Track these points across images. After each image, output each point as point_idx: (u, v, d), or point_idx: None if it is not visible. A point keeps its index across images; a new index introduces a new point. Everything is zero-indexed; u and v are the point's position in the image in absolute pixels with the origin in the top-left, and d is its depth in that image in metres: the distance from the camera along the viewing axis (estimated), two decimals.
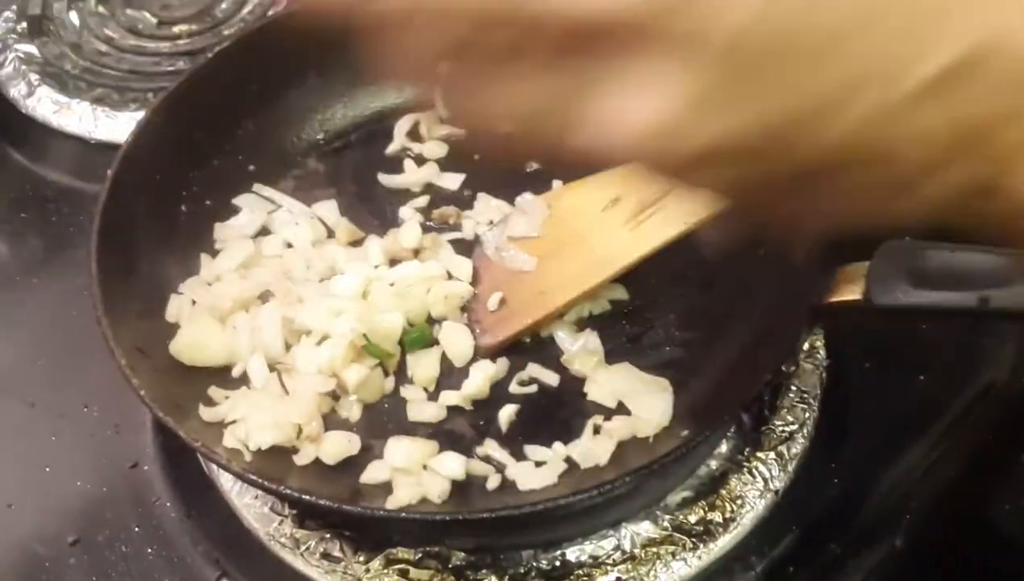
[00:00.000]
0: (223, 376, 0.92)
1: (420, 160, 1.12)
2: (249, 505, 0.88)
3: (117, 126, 1.17)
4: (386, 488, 0.83)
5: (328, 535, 0.86)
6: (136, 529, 0.90)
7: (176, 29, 1.29)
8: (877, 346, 0.98)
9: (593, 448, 0.86)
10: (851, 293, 0.83)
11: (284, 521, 0.87)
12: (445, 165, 1.11)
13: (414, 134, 1.14)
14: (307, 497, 0.75)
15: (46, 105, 1.19)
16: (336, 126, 1.14)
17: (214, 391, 0.89)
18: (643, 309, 0.98)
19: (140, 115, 1.14)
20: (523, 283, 0.97)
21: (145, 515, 0.91)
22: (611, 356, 0.94)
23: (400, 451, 0.85)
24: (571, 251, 0.98)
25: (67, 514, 0.91)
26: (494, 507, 0.77)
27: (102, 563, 0.89)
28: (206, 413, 0.87)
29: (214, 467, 0.91)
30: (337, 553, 0.85)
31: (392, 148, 1.13)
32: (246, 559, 0.87)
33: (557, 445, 0.87)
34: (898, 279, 0.81)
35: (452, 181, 1.10)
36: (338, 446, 0.86)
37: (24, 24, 1.27)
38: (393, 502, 0.81)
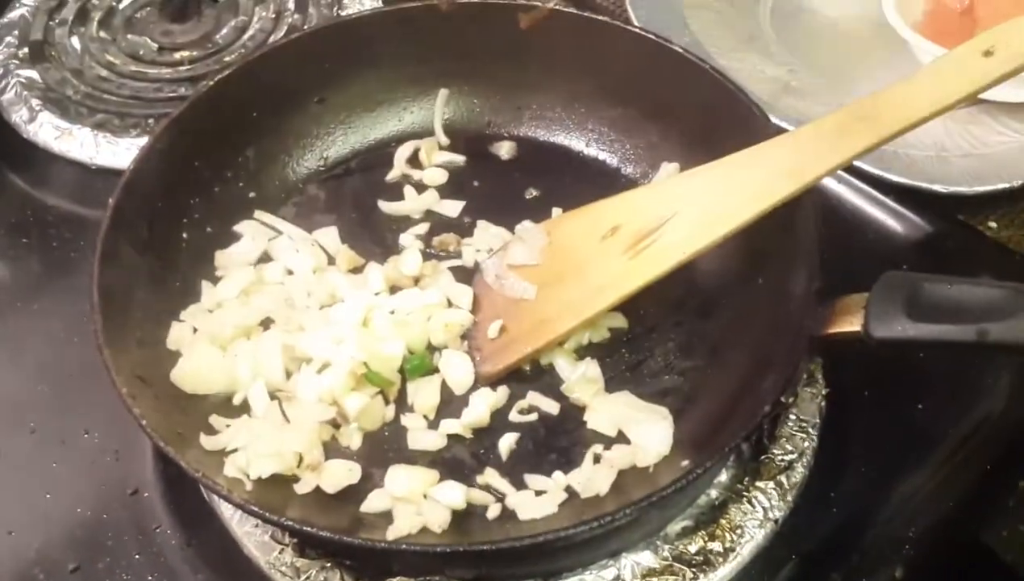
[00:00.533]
0: (224, 404, 0.93)
1: (420, 187, 1.13)
2: (250, 533, 0.88)
3: (118, 152, 1.18)
4: (386, 517, 0.84)
5: (328, 564, 0.86)
6: (136, 556, 0.90)
7: (177, 56, 1.30)
8: (876, 375, 0.99)
9: (594, 477, 0.86)
10: (850, 325, 0.84)
11: (285, 550, 0.87)
12: (445, 192, 1.12)
13: (414, 161, 1.14)
14: (307, 528, 0.76)
15: (47, 130, 1.20)
16: (336, 153, 1.15)
17: (215, 419, 0.90)
18: (642, 337, 0.98)
19: (141, 141, 1.16)
20: (523, 311, 0.98)
21: (145, 542, 0.91)
22: (611, 384, 0.95)
23: (401, 480, 0.85)
24: (571, 279, 0.98)
25: (68, 541, 0.91)
26: (495, 539, 0.78)
27: None
28: (207, 442, 0.87)
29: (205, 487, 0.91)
30: None
31: (392, 175, 1.14)
32: None
33: (557, 474, 0.88)
34: (897, 311, 0.82)
35: (452, 208, 1.11)
36: (339, 475, 0.86)
37: (26, 49, 1.28)
38: (393, 532, 0.82)
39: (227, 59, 1.28)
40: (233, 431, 0.88)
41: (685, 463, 0.82)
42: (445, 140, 1.16)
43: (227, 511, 0.90)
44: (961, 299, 0.80)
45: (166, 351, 0.93)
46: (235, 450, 0.87)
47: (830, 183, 1.14)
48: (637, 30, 1.12)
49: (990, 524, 0.94)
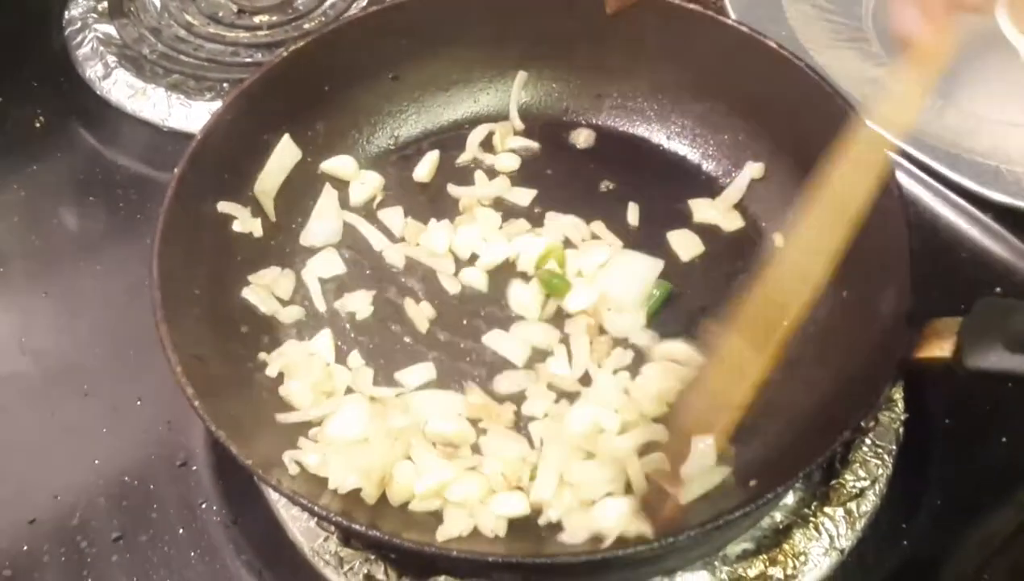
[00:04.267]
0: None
1: (491, 172, 1.09)
2: (296, 518, 0.86)
3: (191, 114, 1.16)
4: (436, 516, 0.81)
5: (372, 557, 0.83)
6: (181, 531, 0.89)
7: (257, 19, 1.27)
8: (959, 403, 0.94)
9: None
10: (940, 350, 0.79)
11: (329, 538, 0.85)
12: (516, 179, 1.08)
13: (487, 145, 1.11)
14: (374, 533, 0.73)
15: (121, 88, 1.18)
16: (407, 133, 1.12)
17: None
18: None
19: (214, 105, 1.14)
20: None
21: (190, 517, 0.89)
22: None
23: (464, 486, 0.82)
24: None
25: (113, 509, 0.90)
26: (553, 554, 0.74)
27: (144, 563, 0.87)
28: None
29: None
30: (381, 576, 0.83)
31: (463, 158, 1.10)
32: (288, 574, 0.86)
33: None
34: (993, 340, 0.77)
35: (523, 197, 1.07)
36: (405, 491, 0.83)
37: (105, 4, 1.26)
38: (443, 533, 0.79)
39: (306, 26, 1.26)
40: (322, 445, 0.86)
41: (753, 483, 0.78)
42: (520, 125, 1.12)
43: (274, 493, 0.88)
44: None
45: (226, 331, 0.91)
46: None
47: (925, 196, 1.08)
48: (729, 21, 1.07)
49: None
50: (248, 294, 0.95)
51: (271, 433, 0.85)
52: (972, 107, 1.16)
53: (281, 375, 0.91)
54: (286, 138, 1.03)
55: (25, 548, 0.88)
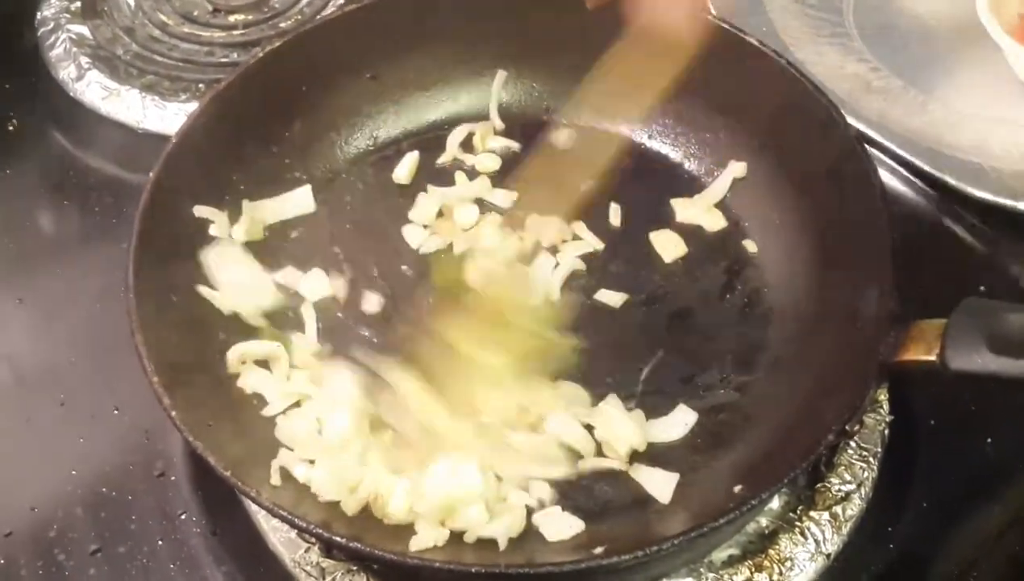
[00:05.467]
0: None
1: (472, 173, 1.08)
2: (276, 528, 0.85)
3: (166, 116, 1.14)
4: (409, 527, 0.80)
5: (355, 567, 0.82)
6: (159, 542, 0.87)
7: (232, 19, 1.25)
8: (944, 404, 0.93)
9: None
10: (924, 352, 0.78)
11: (311, 549, 0.83)
12: (497, 180, 1.07)
13: (467, 145, 1.10)
14: (355, 545, 0.72)
15: (95, 90, 1.16)
16: (387, 133, 1.10)
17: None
18: (697, 348, 0.93)
19: (190, 106, 1.12)
20: None
21: (169, 528, 0.88)
22: (662, 395, 0.90)
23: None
24: None
25: (91, 521, 0.88)
26: (535, 564, 0.73)
27: (123, 575, 0.86)
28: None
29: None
30: None
31: (443, 159, 1.09)
32: None
33: None
34: (977, 342, 0.76)
35: (503, 198, 1.06)
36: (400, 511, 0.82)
37: (78, 4, 1.24)
38: (416, 543, 0.78)
39: (282, 25, 1.24)
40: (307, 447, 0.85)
41: (738, 488, 0.77)
42: (500, 124, 1.11)
43: (253, 504, 0.86)
44: None
45: (203, 338, 0.90)
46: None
47: (908, 193, 1.08)
48: (709, 18, 1.06)
49: None
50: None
51: (250, 443, 0.84)
52: (955, 103, 1.15)
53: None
54: (307, 189, 1.02)
55: (1, 561, 0.86)
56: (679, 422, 0.88)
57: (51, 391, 0.96)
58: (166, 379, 0.79)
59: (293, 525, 0.74)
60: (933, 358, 0.77)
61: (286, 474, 0.81)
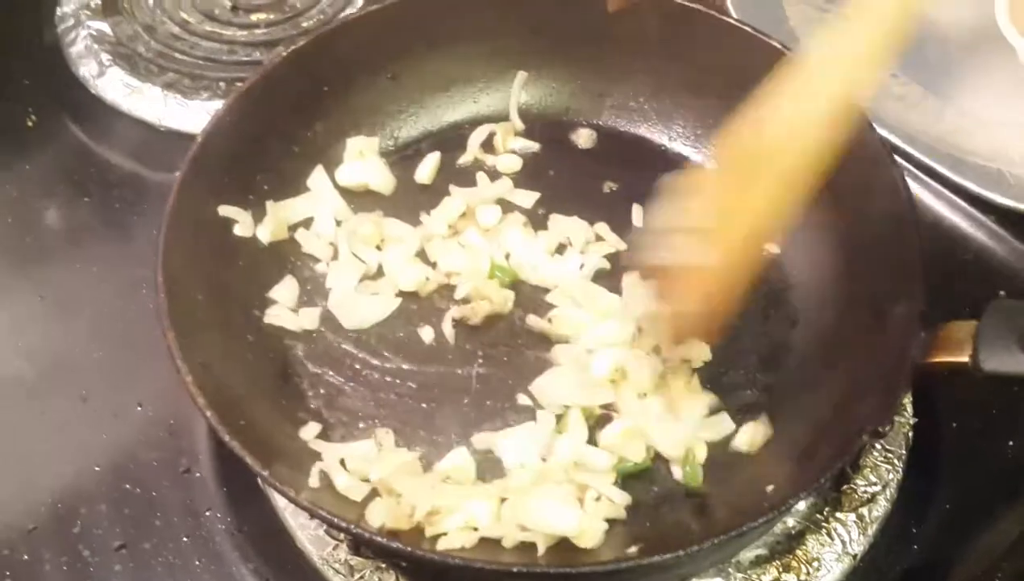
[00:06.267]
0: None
1: (493, 174, 1.08)
2: (304, 525, 0.85)
3: (187, 114, 1.13)
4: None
5: (383, 565, 0.82)
6: (185, 539, 0.87)
7: (254, 17, 1.25)
8: (967, 406, 0.94)
9: None
10: (956, 354, 0.79)
11: (339, 546, 0.83)
12: (518, 180, 1.07)
13: (488, 146, 1.10)
14: (396, 545, 0.72)
15: (116, 87, 1.16)
16: (407, 133, 1.10)
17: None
18: (721, 348, 0.93)
19: (211, 104, 1.12)
20: None
21: (195, 525, 0.88)
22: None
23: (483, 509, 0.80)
24: None
25: (115, 517, 0.88)
26: (578, 563, 0.73)
27: (148, 572, 0.86)
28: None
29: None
30: None
31: (464, 159, 1.09)
32: None
33: None
34: (1009, 343, 0.76)
35: (526, 199, 1.06)
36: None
37: (98, 0, 1.23)
38: (445, 543, 0.78)
39: (304, 24, 1.24)
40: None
41: (770, 488, 0.78)
42: (520, 125, 1.11)
43: (281, 500, 0.86)
44: None
45: (230, 335, 0.90)
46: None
47: (929, 200, 1.08)
48: (732, 21, 1.07)
49: None
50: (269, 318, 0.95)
51: (282, 441, 0.84)
52: (972, 109, 1.16)
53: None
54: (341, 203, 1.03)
55: (26, 557, 0.86)
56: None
57: (73, 387, 0.96)
58: (198, 378, 0.79)
59: (333, 525, 0.74)
60: (965, 359, 0.77)
61: (325, 478, 0.81)
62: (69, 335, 1.00)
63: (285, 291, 0.96)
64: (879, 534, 0.86)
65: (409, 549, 0.72)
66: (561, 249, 1.01)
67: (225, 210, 0.96)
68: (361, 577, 0.82)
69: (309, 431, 0.87)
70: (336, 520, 0.72)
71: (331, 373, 0.92)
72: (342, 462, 0.83)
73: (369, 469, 0.82)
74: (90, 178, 1.12)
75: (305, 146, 1.04)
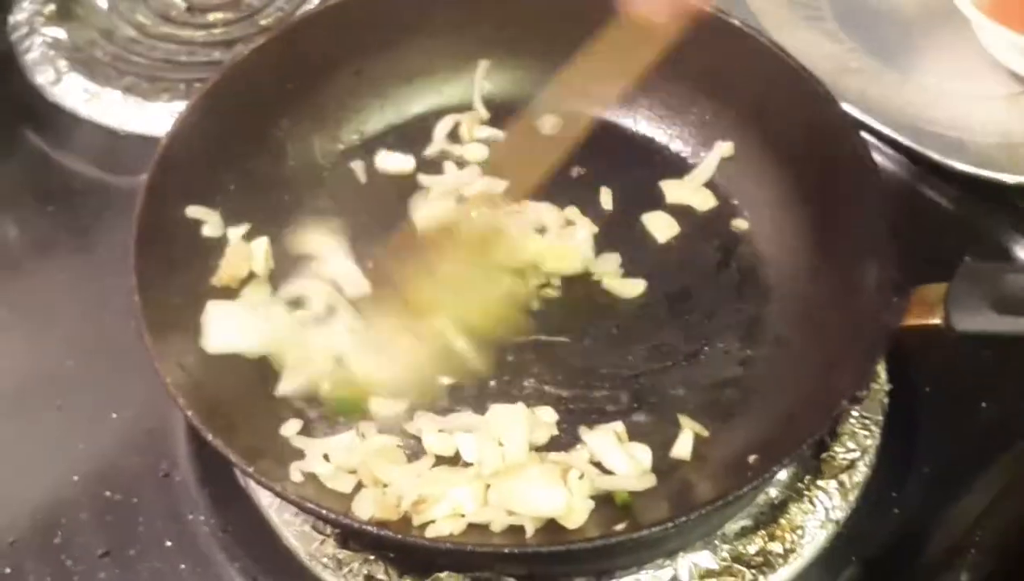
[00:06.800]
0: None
1: (461, 162, 1.08)
2: (289, 522, 0.85)
3: (148, 117, 1.13)
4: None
5: (372, 557, 0.82)
6: (169, 543, 0.86)
7: (211, 17, 1.24)
8: (940, 372, 0.95)
9: None
10: (928, 316, 0.80)
11: (326, 541, 0.83)
12: (486, 168, 1.07)
13: (454, 136, 1.10)
14: (385, 533, 0.73)
15: (75, 93, 1.15)
16: (373, 127, 1.10)
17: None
18: (700, 324, 0.94)
19: (172, 106, 1.12)
20: None
21: (179, 528, 0.87)
22: (667, 374, 0.91)
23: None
24: None
25: (97, 525, 0.87)
26: (566, 540, 0.74)
27: (133, 578, 0.85)
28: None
29: (250, 480, 0.87)
30: (381, 576, 0.81)
31: (431, 150, 1.09)
32: (285, 578, 0.84)
33: None
34: (980, 303, 0.78)
35: (494, 186, 1.05)
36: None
37: (52, 7, 1.22)
38: (434, 529, 0.78)
39: (262, 22, 1.23)
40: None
41: (753, 458, 0.78)
42: (485, 114, 1.11)
43: (265, 498, 0.86)
44: None
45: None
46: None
47: (890, 168, 1.10)
48: (691, 2, 1.07)
49: None
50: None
51: (264, 439, 0.84)
52: (931, 81, 1.17)
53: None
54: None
55: (8, 570, 0.85)
56: None
57: (47, 397, 0.95)
58: (177, 380, 0.79)
59: (321, 517, 0.74)
60: (938, 321, 0.78)
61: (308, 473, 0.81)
62: (40, 345, 0.99)
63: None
64: (860, 500, 0.87)
65: (400, 537, 0.72)
66: (542, 232, 1.02)
67: (193, 211, 0.95)
68: (350, 570, 0.82)
69: (290, 428, 0.86)
70: (325, 512, 0.71)
71: None
72: (325, 457, 0.83)
73: (353, 460, 0.81)
74: (53, 186, 1.11)
75: (271, 143, 1.03)
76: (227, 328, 0.89)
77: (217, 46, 1.21)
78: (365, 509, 0.77)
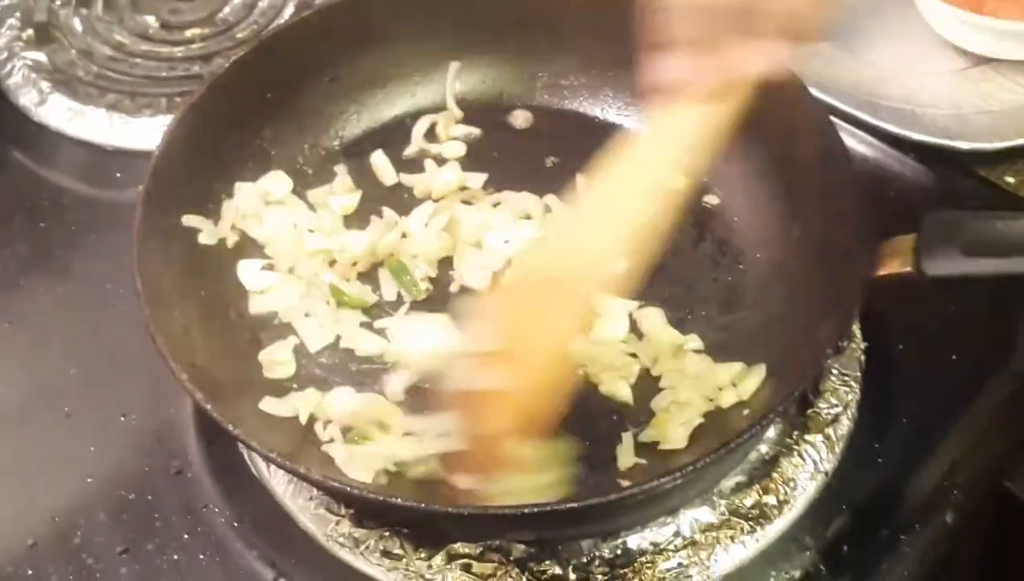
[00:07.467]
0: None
1: (440, 160, 1.12)
2: (304, 507, 0.87)
3: (133, 132, 1.15)
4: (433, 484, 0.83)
5: (387, 533, 0.85)
6: (186, 536, 0.88)
7: (188, 33, 1.27)
8: (912, 328, 1.00)
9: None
10: (901, 265, 0.84)
11: (342, 521, 0.86)
12: (465, 164, 1.11)
13: (431, 136, 1.14)
14: (410, 504, 0.76)
15: (59, 113, 1.17)
16: (351, 132, 1.14)
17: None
18: (680, 296, 0.99)
19: (156, 121, 1.15)
20: None
21: (195, 521, 0.89)
22: None
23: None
24: None
25: (114, 524, 0.89)
26: (573, 499, 0.77)
27: (154, 572, 0.87)
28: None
29: (263, 469, 0.90)
30: (397, 550, 0.84)
31: (410, 150, 1.13)
32: (304, 561, 0.86)
33: None
34: (949, 249, 0.82)
35: (474, 180, 1.10)
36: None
37: (30, 31, 1.25)
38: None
39: (239, 36, 1.26)
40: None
41: (745, 412, 0.83)
42: (459, 113, 1.15)
43: (279, 485, 0.88)
44: (1010, 234, 0.81)
45: (210, 338, 0.92)
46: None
47: (852, 143, 1.15)
48: None
49: None
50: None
51: (279, 429, 0.87)
52: (881, 60, 1.23)
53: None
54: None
55: (30, 572, 0.86)
56: None
57: (55, 406, 0.96)
58: (192, 376, 0.81)
59: (343, 496, 0.77)
60: (910, 269, 0.83)
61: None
62: (43, 356, 1.01)
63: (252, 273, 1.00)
64: (846, 451, 0.91)
65: (423, 505, 0.74)
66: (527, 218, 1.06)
67: (189, 220, 0.98)
68: (367, 547, 0.84)
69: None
70: (350, 488, 0.74)
71: None
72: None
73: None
74: (43, 204, 1.13)
75: (256, 152, 1.07)
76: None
77: (196, 60, 1.24)
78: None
